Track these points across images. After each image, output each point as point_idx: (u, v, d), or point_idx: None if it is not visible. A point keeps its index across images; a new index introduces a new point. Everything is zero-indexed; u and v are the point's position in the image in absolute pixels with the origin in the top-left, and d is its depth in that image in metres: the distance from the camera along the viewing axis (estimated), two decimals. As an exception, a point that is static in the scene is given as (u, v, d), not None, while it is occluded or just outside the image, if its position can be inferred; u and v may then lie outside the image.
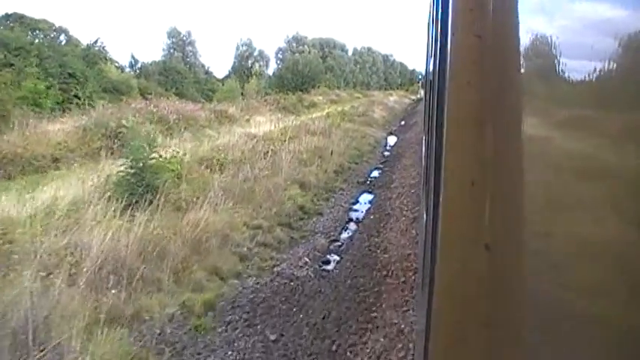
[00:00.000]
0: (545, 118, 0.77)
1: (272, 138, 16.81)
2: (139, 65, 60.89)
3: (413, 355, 4.21)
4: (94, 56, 49.03)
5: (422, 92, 38.99)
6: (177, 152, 11.46)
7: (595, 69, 0.53)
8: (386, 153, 21.52)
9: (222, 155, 12.92)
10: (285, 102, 37.79)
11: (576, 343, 0.61)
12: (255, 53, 79.50)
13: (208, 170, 11.57)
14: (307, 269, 8.24)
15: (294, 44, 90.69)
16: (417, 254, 7.01)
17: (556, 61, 0.67)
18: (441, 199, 1.17)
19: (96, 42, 57.21)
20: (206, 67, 69.02)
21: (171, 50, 67.20)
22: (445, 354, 1.14)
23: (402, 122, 37.09)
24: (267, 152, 14.45)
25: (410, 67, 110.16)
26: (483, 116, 1.05)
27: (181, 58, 67.45)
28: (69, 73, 46.95)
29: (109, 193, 9.07)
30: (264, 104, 34.58)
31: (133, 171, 8.64)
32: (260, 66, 78.73)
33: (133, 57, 59.76)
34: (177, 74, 61.99)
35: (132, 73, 59.87)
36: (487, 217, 1.02)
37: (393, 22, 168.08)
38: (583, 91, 0.60)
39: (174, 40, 67.58)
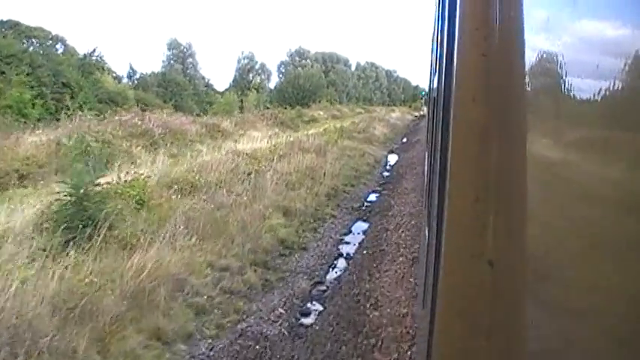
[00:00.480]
0: (551, 136, 0.78)
1: (259, 156, 15.23)
2: (137, 76, 59.55)
3: None
4: (90, 66, 47.79)
5: (425, 109, 40.15)
6: (141, 174, 9.83)
7: (600, 88, 0.54)
8: (385, 174, 19.94)
9: (198, 176, 11.29)
10: (283, 116, 36.33)
11: (580, 357, 0.61)
12: (257, 66, 78.34)
13: (177, 195, 9.93)
14: (280, 325, 6.61)
15: (297, 58, 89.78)
16: (414, 314, 5.93)
17: (561, 80, 0.68)
18: (444, 215, 1.18)
19: (94, 51, 56.05)
20: (206, 80, 67.79)
21: (171, 62, 66.05)
22: None
23: (404, 140, 35.57)
24: (251, 173, 12.84)
25: (413, 84, 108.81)
26: (488, 133, 1.06)
27: (181, 70, 66.28)
28: (63, 83, 45.71)
29: (47, 224, 7.46)
30: (261, 118, 33.12)
31: (72, 199, 7.03)
32: (262, 79, 77.51)
33: (131, 67, 58.52)
34: (176, 86, 60.84)
35: (130, 84, 58.71)
36: (491, 233, 1.03)
37: (397, 37, 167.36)
38: (588, 109, 0.60)
39: (174, 51, 66.47)
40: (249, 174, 12.78)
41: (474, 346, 1.04)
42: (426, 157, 5.67)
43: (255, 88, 62.09)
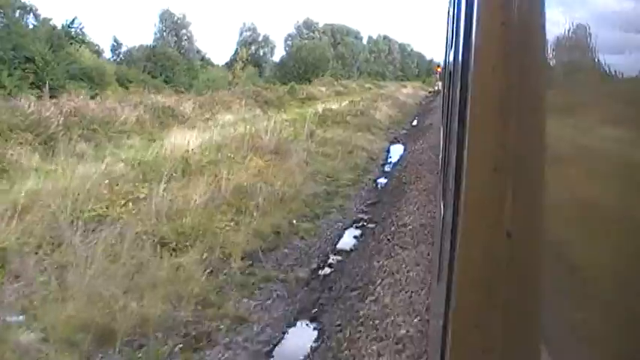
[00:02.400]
0: (569, 107, 0.76)
1: (159, 169, 8.75)
2: (123, 50, 52.92)
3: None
4: (60, 38, 41.31)
5: (439, 84, 32.27)
6: None
7: (621, 63, 0.53)
8: (381, 181, 13.37)
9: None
10: (270, 94, 29.64)
11: (593, 329, 0.60)
12: (260, 39, 71.20)
13: None
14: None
15: (305, 30, 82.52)
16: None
17: (582, 50, 0.65)
18: (462, 185, 1.15)
19: (72, 22, 49.53)
20: (202, 53, 60.94)
21: (163, 34, 59.25)
22: (464, 338, 1.12)
23: (414, 122, 28.67)
24: (105, 217, 6.40)
25: (428, 58, 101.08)
26: (507, 103, 1.03)
27: (174, 43, 59.49)
28: (26, 57, 39.29)
29: None
30: (240, 97, 26.38)
31: None
32: (264, 52, 70.52)
33: (115, 40, 51.86)
34: (167, 60, 54.23)
35: (114, 58, 52.31)
36: (509, 203, 1.00)
37: (411, 10, 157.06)
38: (609, 81, 0.58)
39: (166, 23, 59.62)
40: (100, 217, 6.30)
41: (490, 318, 1.02)
42: (442, 130, 5.33)
43: (241, 60, 54.79)
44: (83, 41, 47.64)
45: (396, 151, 18.24)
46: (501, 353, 1.00)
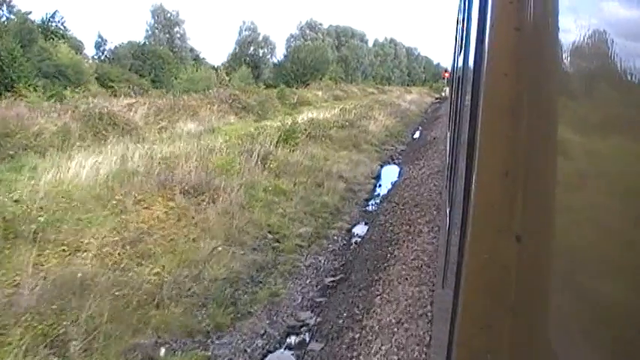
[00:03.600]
0: (581, 113, 0.76)
1: None
2: (109, 46, 48.88)
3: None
4: (32, 32, 37.28)
5: (447, 90, 28.65)
6: None
7: (635, 67, 0.53)
8: (357, 231, 9.10)
9: None
10: (250, 99, 25.35)
11: (601, 333, 0.60)
12: (260, 39, 67.12)
13: None
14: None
15: (308, 31, 78.50)
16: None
17: (594, 57, 0.65)
18: (472, 189, 1.14)
19: (53, 16, 45.67)
20: (196, 52, 56.85)
21: (155, 31, 55.26)
22: (471, 340, 1.10)
23: (417, 134, 24.34)
24: None
25: (435, 62, 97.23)
26: (519, 108, 1.02)
27: (166, 41, 55.50)
28: (-11, 53, 35.32)
29: None
30: (212, 102, 22.14)
31: None
32: (264, 53, 66.49)
33: (100, 36, 47.83)
34: (157, 59, 50.31)
35: (98, 55, 48.33)
36: (519, 207, 0.99)
37: (419, 13, 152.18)
38: (620, 87, 0.58)
39: (158, 19, 55.67)
40: None
41: (499, 322, 1.00)
42: (448, 136, 5.40)
43: (245, 62, 50.69)
44: (63, 36, 43.80)
45: (389, 176, 13.93)
46: (508, 356, 0.99)
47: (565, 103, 0.81)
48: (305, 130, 15.22)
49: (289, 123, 14.29)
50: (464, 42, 2.83)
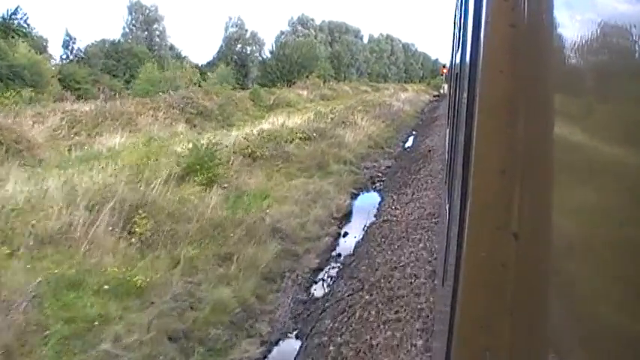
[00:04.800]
0: (577, 109, 0.75)
1: None
2: (79, 45, 44.44)
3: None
4: (-20, 29, 32.93)
5: (445, 87, 27.21)
6: None
7: (631, 64, 0.53)
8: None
9: None
10: (210, 102, 20.84)
11: (598, 331, 0.60)
12: (247, 35, 62.63)
13: None
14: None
15: (299, 27, 74.06)
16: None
17: (590, 53, 0.65)
18: (470, 187, 1.15)
19: (15, 13, 41.29)
20: (177, 50, 52.34)
21: (132, 28, 50.70)
22: (470, 338, 1.11)
23: (409, 143, 19.92)
24: None
25: (433, 58, 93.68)
26: (515, 105, 1.02)
27: (144, 39, 50.97)
28: None
29: None
30: (156, 108, 17.60)
31: None
32: (252, 51, 62.11)
33: (68, 34, 43.38)
34: (133, 58, 45.87)
35: (66, 55, 43.89)
36: (516, 205, 1.00)
37: (416, 8, 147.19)
38: (616, 84, 0.58)
39: (135, 15, 51.12)
40: None
41: (497, 319, 1.01)
42: (447, 134, 5.23)
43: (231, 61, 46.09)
44: (26, 34, 39.42)
45: (360, 216, 9.40)
46: (507, 354, 1.00)
47: (561, 99, 0.81)
48: (247, 147, 10.76)
49: (213, 141, 9.76)
50: (461, 39, 2.87)
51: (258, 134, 12.70)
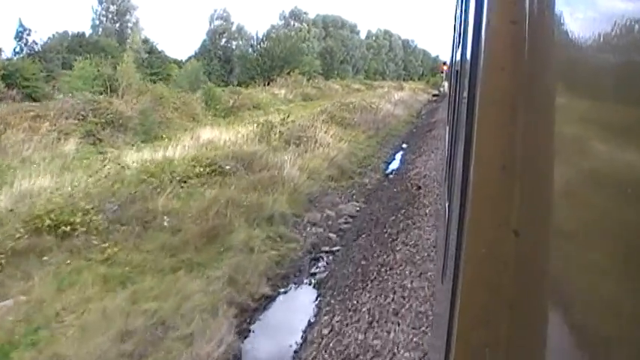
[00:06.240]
0: (578, 106, 0.75)
1: None
2: (35, 38, 38.82)
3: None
4: None
5: (446, 85, 25.62)
6: None
7: (633, 62, 0.53)
8: None
9: None
10: (126, 108, 15.07)
11: (598, 329, 0.60)
12: (233, 29, 57.13)
13: None
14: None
15: (292, 21, 68.53)
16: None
17: (591, 50, 0.65)
18: (470, 183, 1.13)
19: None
20: (152, 44, 46.59)
21: (103, 19, 45.03)
22: (469, 335, 1.09)
23: (394, 164, 14.07)
24: None
25: (433, 55, 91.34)
26: (516, 102, 1.01)
27: (115, 31, 45.26)
28: None
29: None
30: (44, 117, 11.85)
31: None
32: (237, 45, 56.64)
33: (21, 25, 37.74)
34: (99, 52, 40.07)
35: (19, 48, 38.27)
36: (517, 202, 0.98)
37: (416, 3, 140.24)
38: (618, 81, 0.58)
39: (105, 5, 45.44)
40: None
41: (497, 316, 1.00)
42: (447, 130, 5.27)
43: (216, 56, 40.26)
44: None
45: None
46: (506, 351, 1.01)
47: (562, 96, 0.81)
48: (48, 213, 5.06)
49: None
50: (461, 35, 2.85)
51: (117, 173, 7.26)
